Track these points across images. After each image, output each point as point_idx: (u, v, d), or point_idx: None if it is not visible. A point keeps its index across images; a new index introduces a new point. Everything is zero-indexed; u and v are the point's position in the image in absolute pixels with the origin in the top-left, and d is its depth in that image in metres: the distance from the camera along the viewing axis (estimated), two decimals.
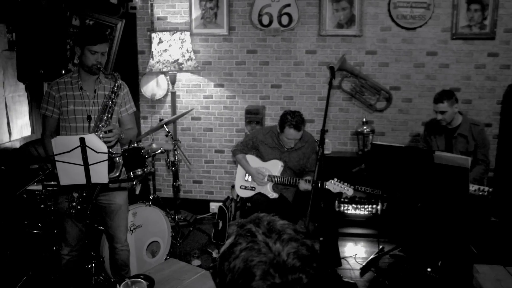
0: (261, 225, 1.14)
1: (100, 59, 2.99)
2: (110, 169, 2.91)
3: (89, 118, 3.02)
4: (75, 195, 2.88)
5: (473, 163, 4.00)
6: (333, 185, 3.82)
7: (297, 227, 1.17)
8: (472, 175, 3.91)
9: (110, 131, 2.95)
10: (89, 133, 2.94)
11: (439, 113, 4.04)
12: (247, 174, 4.32)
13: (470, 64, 5.09)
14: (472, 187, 3.55)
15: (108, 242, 3.41)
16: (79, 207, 2.86)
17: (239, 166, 4.39)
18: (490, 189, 3.55)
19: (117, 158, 2.98)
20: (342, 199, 4.97)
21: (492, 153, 4.88)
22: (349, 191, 3.81)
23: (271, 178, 4.15)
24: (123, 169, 3.42)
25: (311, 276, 1.06)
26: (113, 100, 3.02)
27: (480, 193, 3.56)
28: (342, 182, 3.81)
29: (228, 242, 1.15)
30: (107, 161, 2.69)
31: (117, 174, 2.98)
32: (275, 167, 4.18)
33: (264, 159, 4.26)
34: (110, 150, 2.99)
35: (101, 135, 2.91)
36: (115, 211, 3.26)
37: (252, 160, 4.30)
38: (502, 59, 5.02)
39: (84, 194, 2.85)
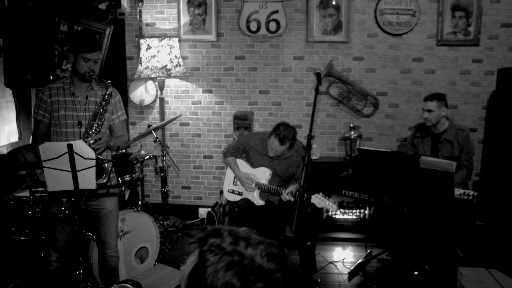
0: (224, 236, 1.11)
1: (93, 66, 2.99)
2: (99, 175, 2.91)
3: (79, 124, 3.03)
4: (64, 200, 2.87)
5: (456, 168, 4.06)
6: (317, 200, 3.78)
7: (255, 231, 1.15)
8: (454, 180, 3.97)
9: (99, 139, 2.95)
10: (79, 138, 2.94)
11: (426, 111, 4.13)
12: (235, 179, 4.32)
13: (455, 70, 5.16)
14: (457, 191, 3.60)
15: (98, 248, 3.39)
16: (67, 211, 2.86)
17: (228, 169, 4.40)
18: (475, 193, 3.61)
19: (106, 164, 2.98)
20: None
21: (477, 158, 4.96)
22: (332, 207, 3.76)
23: (258, 185, 4.16)
24: (114, 174, 3.44)
25: (286, 273, 1.07)
26: (104, 108, 3.04)
27: (465, 197, 3.61)
28: (327, 197, 3.77)
29: (192, 261, 1.10)
30: (95, 167, 2.70)
31: (106, 180, 2.98)
32: (263, 174, 4.18)
33: (253, 165, 4.27)
34: (99, 156, 2.99)
35: (91, 141, 2.91)
36: (105, 216, 3.25)
37: (242, 165, 4.31)
38: (486, 65, 5.10)
39: (73, 199, 2.85)
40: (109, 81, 3.06)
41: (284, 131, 3.91)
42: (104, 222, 3.26)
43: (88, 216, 3.28)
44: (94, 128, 2.99)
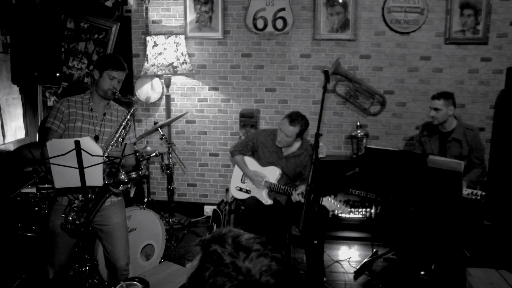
0: (226, 244, 1.10)
1: (116, 85, 3.05)
2: (114, 186, 2.88)
3: (96, 138, 3.02)
4: (78, 203, 2.80)
5: (469, 167, 4.05)
6: (329, 202, 3.77)
7: (264, 239, 1.14)
8: (469, 178, 3.96)
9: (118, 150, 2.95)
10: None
11: (433, 109, 4.11)
12: (244, 176, 4.30)
13: (463, 68, 5.13)
14: (465, 191, 3.58)
15: (106, 265, 3.28)
16: (77, 222, 2.76)
17: (236, 167, 4.38)
18: (483, 193, 3.58)
19: (122, 176, 2.92)
20: None
21: (485, 157, 4.91)
22: (344, 210, 3.77)
23: (268, 184, 4.14)
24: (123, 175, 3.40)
25: None
26: (128, 122, 3.06)
27: (473, 197, 3.59)
28: (338, 200, 3.78)
29: (194, 265, 1.12)
30: (101, 165, 2.68)
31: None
32: (272, 173, 4.15)
33: (262, 163, 4.25)
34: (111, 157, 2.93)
35: (109, 149, 2.90)
36: (110, 233, 3.13)
37: (251, 163, 4.28)
38: (495, 64, 5.06)
39: (90, 204, 2.79)
40: (135, 98, 3.07)
41: (295, 114, 3.95)
42: (111, 240, 3.13)
43: (93, 235, 3.21)
44: (115, 140, 2.98)
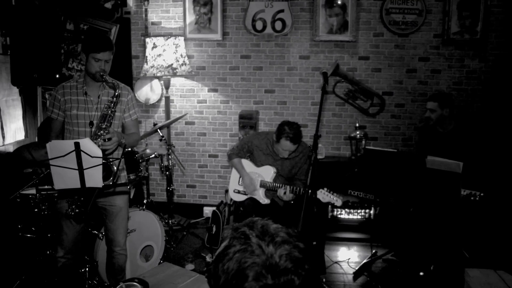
0: (254, 228, 1.17)
1: (104, 66, 3.00)
2: (106, 178, 2.89)
3: (91, 123, 3.04)
4: (76, 197, 2.88)
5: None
6: (322, 195, 3.76)
7: (290, 231, 1.20)
8: None
9: (109, 139, 2.94)
10: (90, 138, 2.93)
11: (428, 110, 4.16)
12: (241, 179, 4.32)
13: (462, 69, 5.14)
14: (464, 192, 3.59)
15: (106, 245, 3.38)
16: (77, 210, 2.86)
17: (233, 170, 4.39)
18: (482, 194, 3.59)
19: (114, 167, 2.95)
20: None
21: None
22: (337, 201, 3.73)
23: (263, 183, 4.16)
24: (125, 173, 3.43)
25: (303, 278, 1.09)
26: (112, 110, 3.02)
27: (472, 198, 3.59)
28: (331, 192, 3.76)
29: (223, 244, 1.18)
30: (101, 166, 2.69)
31: (112, 182, 2.96)
32: (267, 173, 4.17)
33: (257, 164, 4.27)
34: (110, 157, 2.96)
35: (100, 143, 2.90)
36: (115, 213, 3.26)
37: (247, 164, 4.30)
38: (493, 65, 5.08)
39: (82, 198, 2.84)
40: (118, 83, 3.04)
41: (292, 131, 3.88)
42: (113, 219, 3.27)
43: (98, 212, 3.30)
44: (103, 129, 2.98)
